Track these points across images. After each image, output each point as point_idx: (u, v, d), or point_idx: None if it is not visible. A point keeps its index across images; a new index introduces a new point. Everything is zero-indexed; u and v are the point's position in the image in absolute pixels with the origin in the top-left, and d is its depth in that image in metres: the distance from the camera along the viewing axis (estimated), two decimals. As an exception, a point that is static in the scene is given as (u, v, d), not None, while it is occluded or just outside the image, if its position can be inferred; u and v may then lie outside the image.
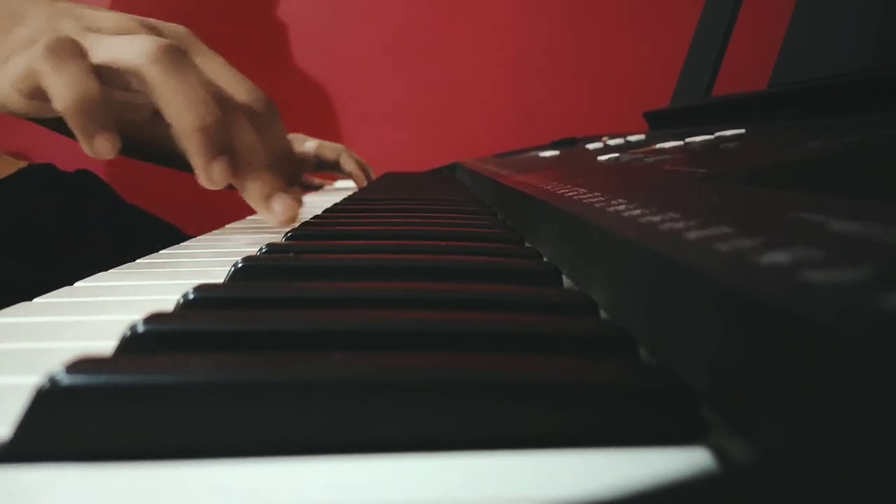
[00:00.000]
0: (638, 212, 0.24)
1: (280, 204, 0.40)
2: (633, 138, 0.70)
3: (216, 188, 0.38)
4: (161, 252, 0.42)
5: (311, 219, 0.47)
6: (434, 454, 0.13)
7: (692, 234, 0.18)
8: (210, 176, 0.37)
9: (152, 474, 0.13)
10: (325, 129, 1.45)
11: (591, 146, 0.75)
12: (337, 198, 0.70)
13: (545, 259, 0.32)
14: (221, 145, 0.37)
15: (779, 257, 0.14)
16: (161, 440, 0.14)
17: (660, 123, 0.84)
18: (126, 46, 0.36)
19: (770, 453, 0.12)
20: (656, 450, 0.13)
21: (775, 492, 0.08)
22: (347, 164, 1.02)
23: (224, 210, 0.58)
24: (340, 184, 1.17)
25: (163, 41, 0.37)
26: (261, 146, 0.39)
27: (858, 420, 0.09)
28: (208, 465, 0.13)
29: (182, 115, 0.36)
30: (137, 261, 0.38)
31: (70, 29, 0.38)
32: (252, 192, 0.39)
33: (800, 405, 0.11)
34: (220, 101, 0.38)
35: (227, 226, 0.56)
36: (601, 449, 0.13)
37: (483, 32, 1.45)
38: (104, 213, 0.82)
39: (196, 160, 0.37)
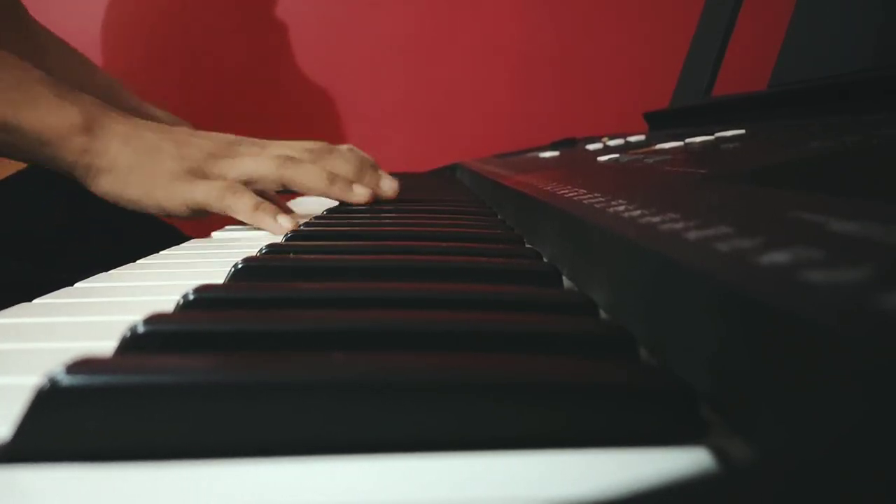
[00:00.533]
0: (638, 212, 0.24)
1: (388, 181, 0.61)
2: (633, 139, 0.70)
3: (366, 202, 0.56)
4: (161, 252, 0.42)
5: (312, 219, 0.47)
6: (434, 454, 0.13)
7: (692, 235, 0.18)
8: (357, 198, 0.56)
9: (152, 474, 0.13)
10: (326, 129, 1.45)
11: (591, 147, 0.75)
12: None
13: (545, 259, 0.32)
14: (344, 187, 0.56)
15: (779, 257, 0.14)
16: (161, 440, 0.14)
17: (660, 124, 0.84)
18: (257, 163, 0.54)
19: (770, 453, 0.12)
20: (657, 450, 0.13)
21: (775, 492, 0.08)
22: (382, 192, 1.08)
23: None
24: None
25: (274, 154, 0.55)
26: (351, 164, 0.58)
27: (858, 420, 0.09)
28: (208, 465, 0.13)
29: (313, 186, 0.55)
30: (137, 261, 0.38)
31: (200, 158, 0.54)
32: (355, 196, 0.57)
33: (800, 405, 0.11)
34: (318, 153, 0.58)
35: (227, 226, 0.56)
36: (601, 449, 0.13)
37: (483, 33, 1.45)
38: (104, 213, 0.82)
39: (340, 197, 0.56)
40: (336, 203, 0.57)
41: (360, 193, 0.56)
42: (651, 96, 1.01)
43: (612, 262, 0.23)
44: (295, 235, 0.38)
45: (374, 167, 0.61)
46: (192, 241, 0.49)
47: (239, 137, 0.58)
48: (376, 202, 0.58)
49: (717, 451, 0.13)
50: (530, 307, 0.22)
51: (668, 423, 0.14)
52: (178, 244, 0.45)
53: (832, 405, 0.10)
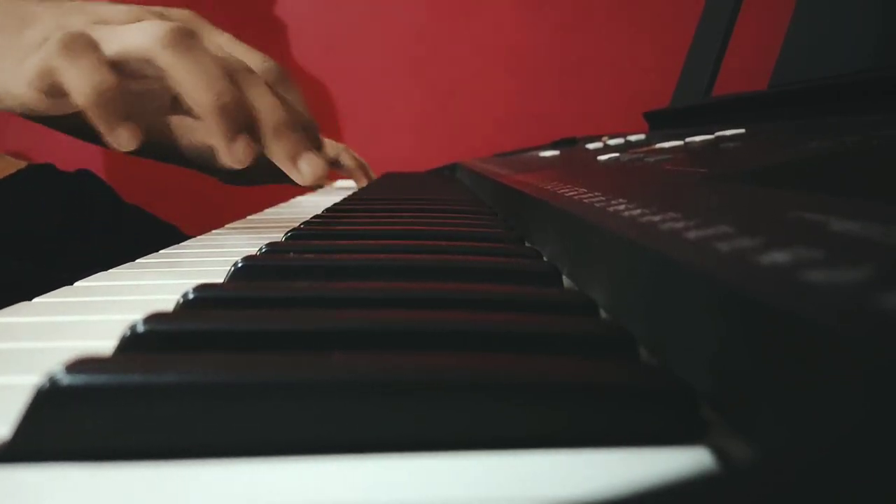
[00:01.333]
0: (638, 212, 0.24)
1: (307, 163, 0.39)
2: (633, 138, 0.70)
3: (241, 166, 0.38)
4: (161, 252, 0.42)
5: (312, 218, 0.47)
6: (434, 454, 0.13)
7: (692, 234, 0.18)
8: (234, 154, 0.37)
9: (152, 474, 0.13)
10: (326, 128, 1.45)
11: (591, 146, 0.75)
12: (337, 198, 0.70)
13: (545, 259, 0.32)
14: (242, 122, 0.37)
15: (779, 257, 0.14)
16: (161, 440, 0.14)
17: (660, 123, 0.84)
18: (136, 34, 0.36)
19: (770, 453, 0.12)
20: (656, 450, 0.13)
21: (775, 492, 0.08)
22: (348, 161, 1.03)
23: (224, 210, 0.58)
24: (340, 184, 1.17)
25: (171, 24, 0.36)
26: (282, 109, 0.39)
27: (858, 420, 0.09)
28: (208, 465, 0.13)
29: (199, 94, 0.36)
30: (137, 261, 0.38)
31: (80, 24, 0.38)
32: (276, 152, 0.39)
33: (800, 405, 0.11)
34: (234, 70, 0.37)
35: (226, 226, 0.56)
36: (601, 449, 0.13)
37: (483, 32, 1.45)
38: (104, 212, 0.82)
39: (218, 140, 0.37)
40: (336, 202, 0.57)
41: (243, 152, 0.37)
42: (651, 96, 1.01)
43: (612, 262, 0.23)
44: (295, 235, 0.38)
45: (304, 135, 0.41)
46: (192, 240, 0.49)
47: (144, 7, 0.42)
48: (376, 202, 0.57)
49: (717, 451, 0.13)
50: (530, 307, 0.22)
51: (668, 423, 0.14)
52: (178, 244, 0.45)
53: (832, 405, 0.10)
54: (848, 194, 0.20)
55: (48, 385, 0.14)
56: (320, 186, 0.37)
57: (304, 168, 0.39)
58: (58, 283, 0.31)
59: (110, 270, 0.35)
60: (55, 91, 0.36)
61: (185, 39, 0.36)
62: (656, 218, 0.22)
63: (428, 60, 1.46)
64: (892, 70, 0.42)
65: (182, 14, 0.43)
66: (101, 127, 0.35)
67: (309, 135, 0.41)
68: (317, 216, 0.49)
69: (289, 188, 0.88)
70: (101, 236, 0.78)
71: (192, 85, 0.35)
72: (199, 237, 0.50)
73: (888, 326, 0.10)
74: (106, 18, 0.40)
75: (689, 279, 0.16)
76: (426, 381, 0.14)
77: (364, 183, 1.02)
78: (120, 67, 0.36)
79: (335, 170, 1.05)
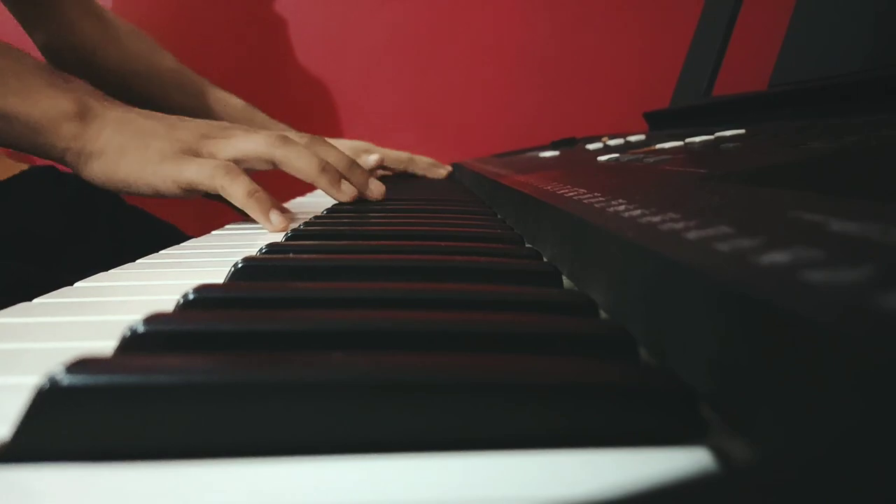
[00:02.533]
0: (638, 212, 0.24)
1: (373, 184, 0.59)
2: (633, 138, 0.70)
3: (350, 200, 0.56)
4: (161, 252, 0.42)
5: (312, 218, 0.47)
6: (434, 454, 0.13)
7: (692, 234, 0.18)
8: (343, 194, 0.56)
9: (152, 474, 0.13)
10: (326, 128, 1.45)
11: (590, 146, 0.75)
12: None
13: (545, 259, 0.32)
14: (336, 176, 0.55)
15: (779, 257, 0.14)
16: (161, 440, 0.14)
17: (660, 123, 0.84)
18: (251, 142, 0.53)
19: (770, 453, 0.12)
20: (656, 450, 0.13)
21: (775, 492, 0.08)
22: (417, 170, 1.07)
23: (224, 210, 0.58)
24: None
25: (266, 132, 0.54)
26: (345, 156, 0.57)
27: (858, 420, 0.09)
28: (208, 465, 0.13)
29: (305, 168, 0.53)
30: (137, 261, 0.38)
31: (191, 139, 0.54)
32: (350, 182, 0.57)
33: (800, 405, 0.11)
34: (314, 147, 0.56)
35: (227, 226, 0.56)
36: (601, 449, 0.13)
37: (483, 32, 1.45)
38: (105, 213, 0.82)
39: (327, 190, 0.55)
40: (335, 203, 0.57)
41: (346, 190, 0.55)
42: (651, 96, 1.01)
43: (612, 262, 0.23)
44: (295, 235, 0.38)
45: (363, 170, 0.60)
46: (192, 240, 0.49)
47: (234, 124, 0.57)
48: (376, 202, 0.57)
49: (717, 451, 0.13)
50: (530, 307, 0.22)
51: (667, 423, 0.14)
52: (178, 244, 0.45)
53: (832, 405, 0.10)
54: (848, 194, 0.20)
55: (48, 385, 0.14)
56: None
57: (374, 188, 0.58)
58: (59, 283, 0.31)
59: (111, 271, 0.35)
60: (194, 192, 0.52)
61: (284, 139, 0.54)
62: (656, 218, 0.22)
63: (428, 60, 1.46)
64: (892, 70, 0.42)
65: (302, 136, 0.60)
66: (256, 215, 0.50)
67: (358, 172, 0.58)
68: (317, 216, 0.49)
69: (289, 189, 0.88)
70: (101, 237, 0.78)
71: (299, 165, 0.53)
72: (199, 237, 0.50)
73: (888, 326, 0.10)
74: (213, 133, 0.55)
75: (689, 279, 0.16)
76: (426, 382, 0.14)
77: (443, 176, 1.07)
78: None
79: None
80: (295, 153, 0.53)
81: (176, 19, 1.44)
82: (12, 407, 0.14)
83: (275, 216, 0.49)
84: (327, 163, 0.54)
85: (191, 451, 0.13)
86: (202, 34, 1.45)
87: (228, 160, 0.52)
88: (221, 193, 0.51)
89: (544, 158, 0.75)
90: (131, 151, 0.53)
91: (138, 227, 0.86)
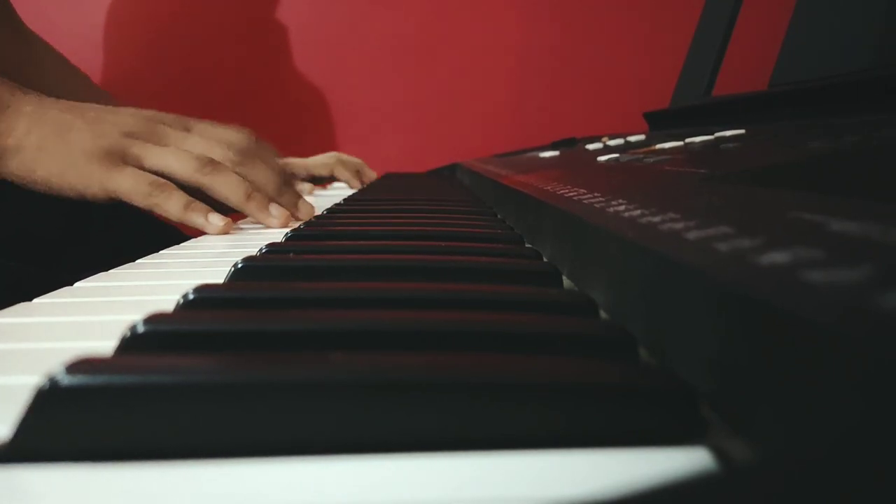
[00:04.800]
0: (638, 212, 0.24)
1: (302, 205, 0.57)
2: (633, 138, 0.70)
3: (283, 226, 0.53)
4: (161, 252, 0.42)
5: (312, 219, 0.47)
6: (434, 454, 0.13)
7: (692, 234, 0.18)
8: (273, 221, 0.53)
9: (152, 474, 0.13)
10: (326, 128, 1.45)
11: (590, 146, 0.75)
12: (337, 198, 0.70)
13: (545, 259, 0.32)
14: (263, 201, 0.53)
15: (779, 257, 0.14)
16: (161, 440, 0.14)
17: (660, 124, 0.84)
18: (175, 161, 0.51)
19: (770, 453, 0.12)
20: (656, 450, 0.13)
21: (775, 492, 0.08)
22: (342, 174, 1.06)
23: (224, 210, 0.58)
24: (340, 184, 1.17)
25: (195, 155, 0.51)
26: (274, 178, 0.55)
27: (858, 420, 0.09)
28: (208, 465, 0.13)
29: (230, 199, 0.52)
30: (137, 261, 0.38)
31: (115, 139, 0.51)
32: (280, 205, 0.55)
33: (800, 405, 0.11)
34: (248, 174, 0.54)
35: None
36: (601, 449, 0.13)
37: (483, 32, 1.45)
38: (104, 213, 0.82)
39: (256, 217, 0.53)
40: (336, 203, 0.57)
41: (275, 216, 0.53)
42: (651, 96, 1.01)
43: (612, 262, 0.23)
44: (295, 235, 0.38)
45: (294, 190, 0.58)
46: (192, 240, 0.49)
47: (160, 114, 0.54)
48: (377, 202, 0.57)
49: (717, 451, 0.13)
50: (530, 307, 0.22)
51: (667, 423, 0.14)
52: (178, 244, 0.45)
53: (832, 405, 0.10)
54: (848, 194, 0.20)
55: (48, 385, 0.14)
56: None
57: (303, 210, 0.56)
58: (58, 283, 0.31)
59: (110, 271, 0.35)
60: (114, 199, 0.50)
61: (210, 165, 0.51)
62: (656, 218, 0.22)
63: (428, 60, 1.46)
64: (892, 70, 0.42)
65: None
66: (195, 226, 0.51)
67: (286, 181, 0.57)
68: (317, 217, 0.49)
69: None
70: (101, 237, 0.78)
71: (225, 194, 0.52)
72: (199, 237, 0.50)
73: (888, 326, 0.10)
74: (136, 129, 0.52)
75: (689, 279, 0.16)
76: (426, 382, 0.14)
77: (359, 186, 1.03)
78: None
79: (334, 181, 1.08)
80: (221, 181, 0.51)
81: (176, 21, 1.44)
82: (12, 407, 0.14)
83: (213, 217, 0.49)
84: (255, 189, 0.52)
85: (191, 451, 0.13)
86: (201, 38, 1.45)
87: (155, 171, 0.50)
88: (156, 210, 0.50)
89: (544, 158, 0.75)
90: (51, 149, 0.49)
91: (138, 227, 0.85)
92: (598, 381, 0.14)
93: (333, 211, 0.53)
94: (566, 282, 0.28)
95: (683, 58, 0.85)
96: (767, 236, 0.16)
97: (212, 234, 0.50)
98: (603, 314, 0.22)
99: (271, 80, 1.45)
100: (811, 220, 0.17)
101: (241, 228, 0.54)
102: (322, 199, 0.75)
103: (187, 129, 0.54)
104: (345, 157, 1.10)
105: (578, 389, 0.14)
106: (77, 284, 0.31)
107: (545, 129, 1.34)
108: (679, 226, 0.20)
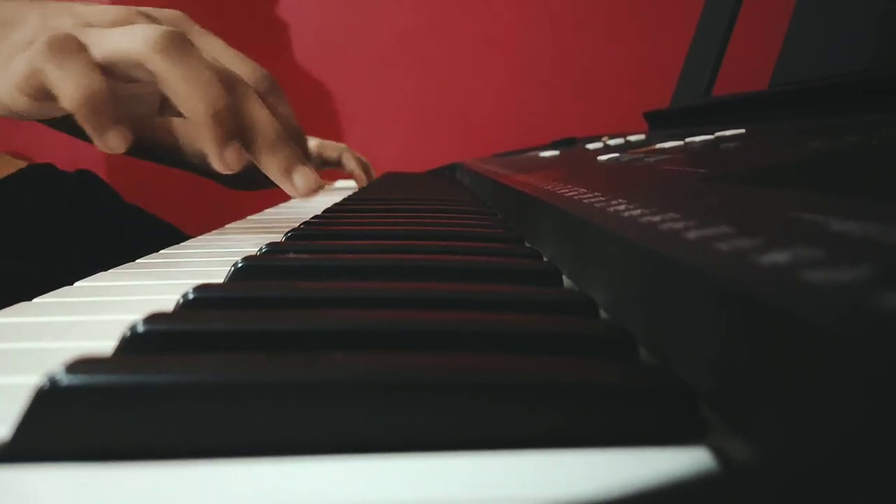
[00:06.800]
0: (638, 212, 0.24)
1: (301, 176, 0.39)
2: (633, 138, 0.70)
3: (231, 172, 0.38)
4: (161, 252, 0.42)
5: (312, 219, 0.47)
6: (434, 454, 0.13)
7: (692, 234, 0.18)
8: (224, 161, 0.37)
9: (152, 474, 0.13)
10: (326, 128, 1.45)
11: (591, 146, 0.75)
12: (337, 198, 0.70)
13: (545, 259, 0.32)
14: (234, 129, 0.37)
15: (779, 257, 0.14)
16: (161, 440, 0.14)
17: (660, 123, 0.84)
18: (127, 37, 0.36)
19: (770, 453, 0.12)
20: (656, 450, 0.13)
21: (775, 492, 0.08)
22: (349, 162, 1.03)
23: (224, 210, 0.57)
24: (341, 184, 1.17)
25: (163, 28, 0.36)
26: (274, 121, 0.38)
27: (858, 420, 0.09)
28: (208, 465, 0.13)
29: (192, 102, 0.35)
30: (137, 261, 0.38)
31: (67, 26, 0.38)
32: (270, 165, 0.38)
33: (800, 405, 0.11)
34: (228, 81, 0.37)
35: (227, 226, 0.56)
36: (601, 449, 0.13)
37: (483, 32, 1.45)
38: (104, 212, 0.82)
39: (210, 147, 0.37)
40: (336, 202, 0.57)
41: (282, 156, 0.38)
42: (651, 96, 1.01)
43: (612, 262, 0.23)
44: (295, 235, 0.38)
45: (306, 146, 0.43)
46: (193, 239, 0.49)
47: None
48: (377, 202, 0.57)
49: (717, 451, 0.13)
50: (530, 307, 0.22)
51: (667, 424, 0.14)
52: (178, 244, 0.45)
53: (832, 405, 0.10)
54: (848, 194, 0.20)
55: (48, 385, 0.14)
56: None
57: (299, 181, 0.39)
58: (58, 283, 0.31)
59: (110, 271, 0.35)
60: (42, 94, 0.36)
61: (178, 44, 0.36)
62: (656, 218, 0.22)
63: (428, 60, 1.46)
64: (892, 70, 0.42)
65: (173, 16, 0.42)
66: (90, 130, 0.35)
67: (299, 145, 0.41)
68: (317, 216, 0.49)
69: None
70: (101, 236, 0.78)
71: (186, 92, 0.35)
72: (199, 237, 0.50)
73: (888, 326, 0.10)
74: (94, 20, 0.39)
75: (689, 279, 0.16)
76: (425, 382, 0.14)
77: (365, 183, 1.03)
78: (109, 70, 0.36)
79: (338, 170, 1.06)
80: (185, 68, 0.35)
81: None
82: (12, 407, 0.14)
83: (112, 135, 0.35)
84: (235, 108, 0.37)
85: (191, 451, 0.13)
86: (202, 34, 1.44)
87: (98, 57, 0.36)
88: (48, 86, 0.35)
89: (544, 158, 0.75)
90: None
91: (138, 226, 0.86)
92: (598, 382, 0.14)
93: (333, 210, 0.53)
94: (566, 282, 0.28)
95: (683, 58, 0.85)
96: (767, 236, 0.16)
97: (102, 149, 0.35)
98: (603, 314, 0.22)
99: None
100: (811, 220, 0.17)
101: (241, 229, 0.54)
102: (322, 199, 0.75)
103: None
104: (353, 151, 1.09)
105: (578, 389, 0.14)
106: (77, 284, 0.31)
107: (545, 128, 1.34)
108: (679, 225, 0.20)
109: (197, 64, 0.36)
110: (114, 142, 0.35)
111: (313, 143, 1.01)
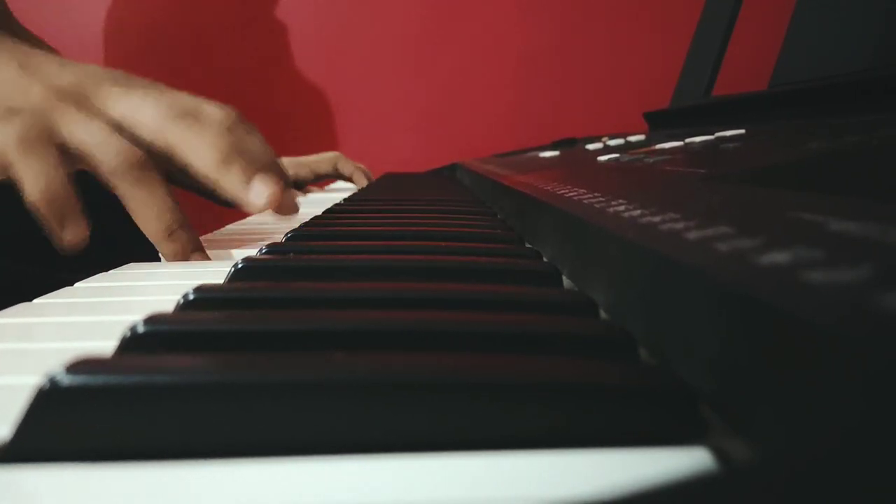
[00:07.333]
0: (638, 212, 0.24)
1: (199, 255, 0.40)
2: (633, 138, 0.70)
3: (259, 204, 0.40)
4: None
5: (311, 219, 0.47)
6: (434, 454, 0.13)
7: (692, 235, 0.18)
8: (253, 196, 0.39)
9: (152, 474, 0.13)
10: (326, 129, 1.45)
11: (591, 146, 0.75)
12: (337, 198, 0.70)
13: (545, 259, 0.32)
14: (191, 242, 0.39)
15: (779, 257, 0.14)
16: (161, 440, 0.14)
17: (660, 124, 0.84)
18: (101, 148, 0.37)
19: (770, 453, 0.12)
20: (656, 450, 0.13)
21: (775, 492, 0.08)
22: (345, 167, 1.04)
23: (224, 210, 0.58)
24: (340, 184, 1.17)
25: (133, 154, 0.38)
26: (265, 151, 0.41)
27: (858, 420, 0.09)
28: (208, 465, 0.13)
29: (148, 223, 0.39)
30: (137, 262, 0.38)
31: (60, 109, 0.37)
32: (168, 254, 0.40)
33: (800, 405, 0.11)
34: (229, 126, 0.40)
35: (227, 226, 0.56)
36: (601, 449, 0.13)
37: (483, 32, 1.46)
38: (104, 213, 0.82)
39: (230, 189, 0.39)
40: (335, 203, 0.57)
41: (259, 192, 0.38)
42: (651, 96, 1.01)
43: (612, 262, 0.23)
44: (295, 235, 0.38)
45: (284, 174, 0.44)
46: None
47: (115, 72, 0.40)
48: (376, 202, 0.57)
49: (717, 451, 0.13)
50: (530, 307, 0.22)
51: (667, 424, 0.14)
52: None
53: (832, 405, 0.10)
54: (848, 194, 0.20)
55: (48, 385, 0.14)
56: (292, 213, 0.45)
57: (258, 189, 0.39)
58: (58, 283, 0.31)
59: (111, 271, 0.35)
60: (5, 174, 0.36)
61: (137, 174, 0.38)
62: (656, 218, 0.22)
63: (428, 60, 1.46)
64: (892, 70, 0.42)
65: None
66: (46, 227, 0.36)
67: (275, 173, 0.41)
68: (316, 217, 0.49)
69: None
70: (101, 236, 0.78)
71: (141, 214, 0.39)
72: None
73: (888, 326, 0.10)
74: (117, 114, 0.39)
75: (689, 279, 0.16)
76: (426, 382, 0.14)
77: (364, 184, 1.03)
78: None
79: (334, 178, 1.07)
80: (195, 136, 0.38)
81: (176, 21, 1.44)
82: (12, 407, 0.14)
83: (68, 232, 0.36)
84: (236, 156, 0.39)
85: (191, 451, 0.13)
86: (201, 37, 1.45)
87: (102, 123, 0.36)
88: (11, 175, 0.35)
89: (544, 158, 0.75)
90: None
91: (139, 226, 0.85)
92: (598, 382, 0.14)
93: (333, 211, 0.53)
94: (566, 282, 0.28)
95: (683, 58, 0.85)
96: (767, 236, 0.16)
97: (62, 247, 0.37)
98: (603, 314, 0.22)
99: (270, 81, 1.45)
100: (811, 220, 0.17)
101: (241, 229, 0.54)
102: (322, 200, 0.75)
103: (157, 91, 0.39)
104: (346, 157, 1.10)
105: (578, 390, 0.14)
106: (77, 284, 0.31)
107: (545, 129, 1.34)
108: (679, 226, 0.20)
109: (204, 132, 0.38)
110: (69, 237, 0.36)
111: (302, 161, 1.03)
